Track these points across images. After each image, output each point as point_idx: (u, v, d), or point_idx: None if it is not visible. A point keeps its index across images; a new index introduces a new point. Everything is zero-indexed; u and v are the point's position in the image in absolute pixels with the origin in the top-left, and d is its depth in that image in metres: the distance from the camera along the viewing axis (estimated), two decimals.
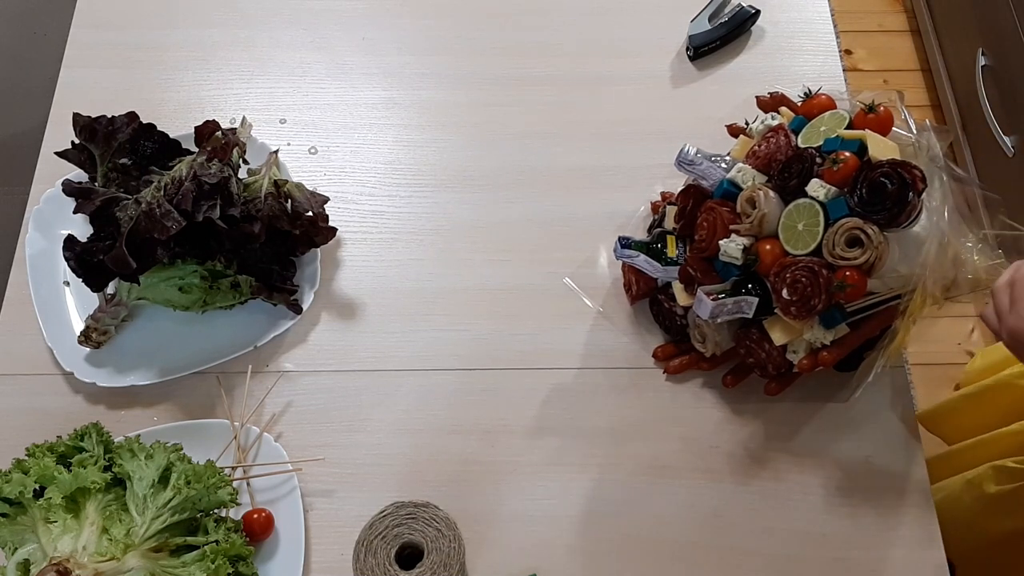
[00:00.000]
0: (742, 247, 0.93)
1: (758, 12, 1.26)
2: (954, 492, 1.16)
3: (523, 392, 1.03)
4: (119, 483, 0.88)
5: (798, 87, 1.01)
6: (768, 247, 0.92)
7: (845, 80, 1.25)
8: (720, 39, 1.25)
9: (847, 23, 2.31)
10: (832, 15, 1.31)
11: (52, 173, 1.10)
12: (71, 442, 0.90)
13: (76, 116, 1.03)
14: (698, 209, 1.00)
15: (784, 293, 0.90)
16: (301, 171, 1.15)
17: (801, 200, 0.91)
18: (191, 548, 0.86)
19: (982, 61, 1.93)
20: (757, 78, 1.23)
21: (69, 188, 1.02)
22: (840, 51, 1.28)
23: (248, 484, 0.96)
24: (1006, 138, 1.83)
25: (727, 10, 1.26)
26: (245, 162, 1.07)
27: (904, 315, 0.89)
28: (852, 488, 0.98)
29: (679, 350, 1.04)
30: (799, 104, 1.00)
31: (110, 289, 1.03)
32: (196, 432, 0.97)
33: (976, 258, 0.87)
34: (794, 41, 1.28)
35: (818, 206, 0.89)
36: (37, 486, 0.85)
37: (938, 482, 1.21)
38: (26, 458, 0.87)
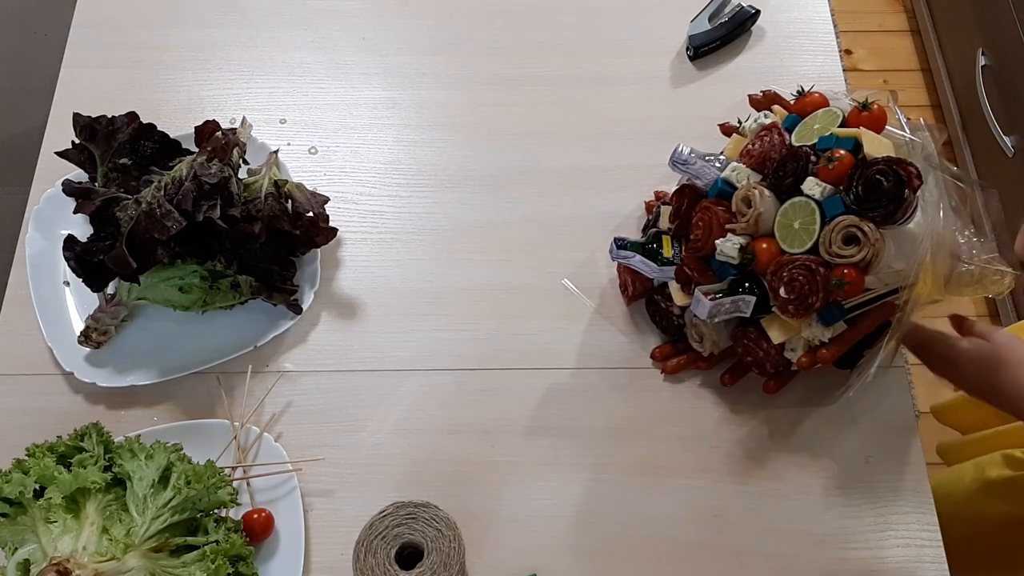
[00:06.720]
0: (738, 246, 0.93)
1: (758, 12, 1.26)
2: (959, 472, 1.17)
3: (522, 392, 1.03)
4: (119, 483, 0.88)
5: (797, 87, 1.01)
6: (764, 246, 0.92)
7: (845, 80, 1.25)
8: (720, 39, 1.25)
9: (847, 23, 2.31)
10: (832, 15, 1.31)
11: (52, 173, 1.10)
12: (71, 442, 0.90)
13: (76, 116, 1.03)
14: (693, 209, 1.00)
15: (781, 292, 0.90)
16: (301, 171, 1.15)
17: (797, 198, 0.91)
18: (191, 548, 0.86)
19: (982, 61, 1.93)
20: (757, 78, 1.23)
21: (69, 188, 1.02)
22: (840, 51, 1.28)
23: (248, 484, 0.96)
24: (1006, 138, 1.83)
25: (727, 10, 1.26)
26: (245, 162, 1.07)
27: (903, 311, 0.89)
28: (851, 488, 0.98)
29: (676, 350, 1.04)
30: (792, 102, 1.01)
31: (110, 289, 1.03)
32: (196, 432, 0.98)
33: (972, 252, 0.87)
34: (794, 41, 1.28)
35: (814, 204, 0.89)
36: (37, 486, 0.85)
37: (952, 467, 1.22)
38: (26, 458, 0.87)
